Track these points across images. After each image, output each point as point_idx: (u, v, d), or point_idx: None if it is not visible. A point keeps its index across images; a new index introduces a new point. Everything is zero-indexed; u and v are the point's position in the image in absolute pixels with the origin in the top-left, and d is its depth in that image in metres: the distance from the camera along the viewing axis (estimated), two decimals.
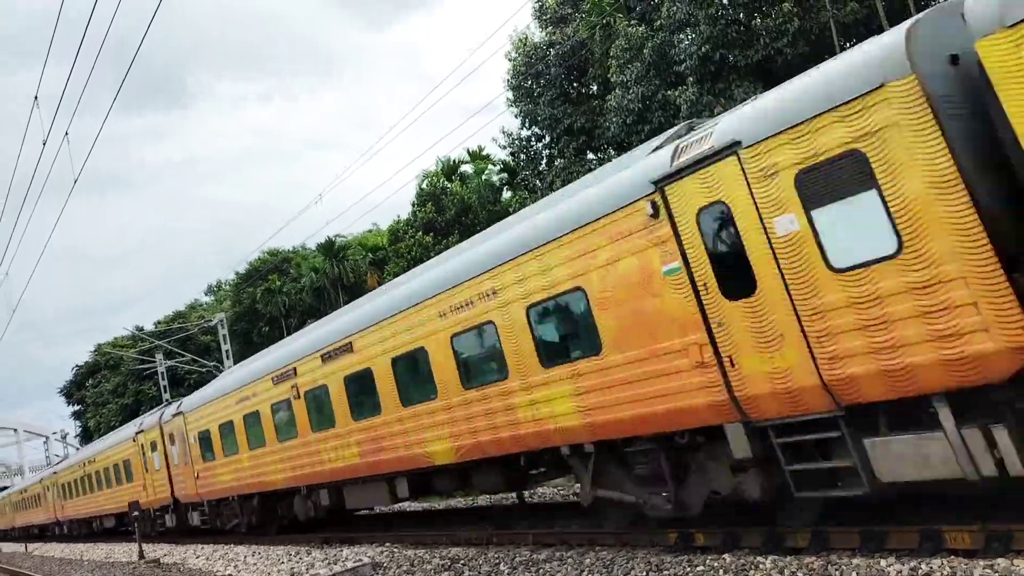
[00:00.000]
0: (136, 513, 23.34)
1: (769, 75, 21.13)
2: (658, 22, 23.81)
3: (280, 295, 52.20)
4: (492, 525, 13.51)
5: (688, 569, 8.07)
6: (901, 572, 6.41)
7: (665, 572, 8.24)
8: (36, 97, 18.17)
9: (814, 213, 6.85)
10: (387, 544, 14.38)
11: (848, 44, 20.85)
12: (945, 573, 6.16)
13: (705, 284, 7.80)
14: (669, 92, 23.17)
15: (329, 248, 50.36)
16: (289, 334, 26.05)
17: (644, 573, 8.42)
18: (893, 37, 6.59)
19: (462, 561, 11.16)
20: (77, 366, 75.09)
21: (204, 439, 20.18)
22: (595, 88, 29.08)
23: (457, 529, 13.86)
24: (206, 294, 74.86)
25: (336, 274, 49.47)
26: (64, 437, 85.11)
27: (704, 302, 7.83)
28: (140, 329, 61.26)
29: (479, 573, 10.39)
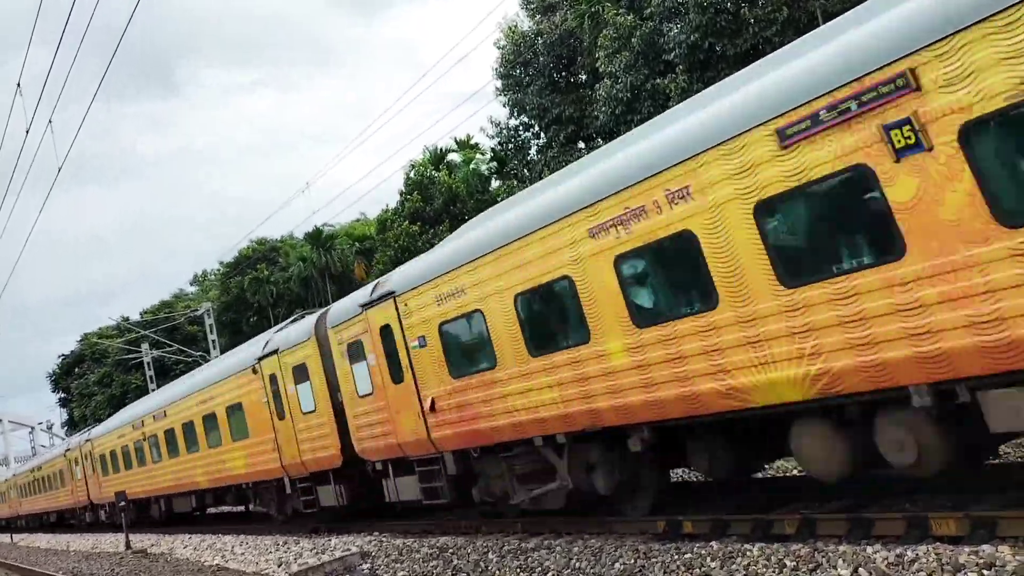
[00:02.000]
0: (123, 503, 23.26)
1: None
2: (647, 11, 23.73)
3: (268, 284, 51.98)
4: (480, 514, 13.51)
5: (676, 556, 8.09)
6: (887, 559, 6.43)
7: (653, 559, 8.25)
8: (19, 84, 17.94)
9: (298, 387, 15.56)
10: (376, 533, 14.35)
11: None
12: (931, 560, 6.17)
13: (273, 410, 16.47)
14: (658, 81, 23.13)
15: (317, 238, 50.14)
16: (276, 323, 27.01)
17: (632, 560, 8.43)
18: (314, 317, 15.34)
19: (450, 550, 11.15)
20: (63, 355, 74.62)
21: (102, 460, 28.81)
22: (584, 77, 28.95)
23: (445, 518, 13.84)
24: (191, 283, 74.43)
25: (324, 263, 49.31)
26: (50, 427, 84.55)
27: (272, 418, 16.50)
28: (126, 319, 60.81)
29: (467, 562, 10.39)
